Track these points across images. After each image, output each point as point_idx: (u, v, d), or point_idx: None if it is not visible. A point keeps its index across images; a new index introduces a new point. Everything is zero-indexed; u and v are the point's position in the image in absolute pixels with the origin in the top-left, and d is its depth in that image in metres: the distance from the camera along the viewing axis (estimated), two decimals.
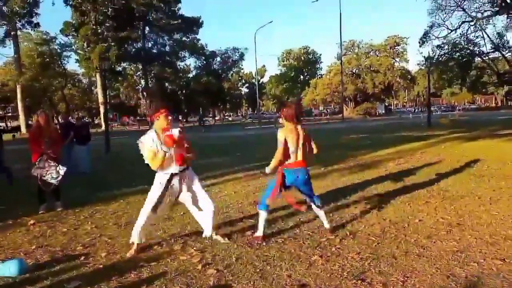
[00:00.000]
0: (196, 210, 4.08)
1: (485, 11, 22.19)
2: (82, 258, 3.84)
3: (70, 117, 12.93)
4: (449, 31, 23.97)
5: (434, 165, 8.38)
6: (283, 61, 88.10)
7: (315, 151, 4.22)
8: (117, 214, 5.53)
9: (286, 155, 4.00)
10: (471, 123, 23.87)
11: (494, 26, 34.78)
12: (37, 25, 39.71)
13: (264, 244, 3.94)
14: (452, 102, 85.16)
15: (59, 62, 55.27)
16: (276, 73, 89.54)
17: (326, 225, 4.24)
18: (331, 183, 6.99)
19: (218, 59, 60.23)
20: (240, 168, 9.21)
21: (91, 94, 69.42)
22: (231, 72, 67.70)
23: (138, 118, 60.55)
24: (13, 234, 4.75)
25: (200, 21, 51.88)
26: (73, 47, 51.20)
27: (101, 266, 3.62)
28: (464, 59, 26.25)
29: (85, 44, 44.61)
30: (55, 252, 4.04)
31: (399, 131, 20.21)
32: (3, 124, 52.70)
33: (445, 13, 22.84)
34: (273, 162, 4.02)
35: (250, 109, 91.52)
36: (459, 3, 21.89)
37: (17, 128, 38.52)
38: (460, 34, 24.05)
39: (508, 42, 24.36)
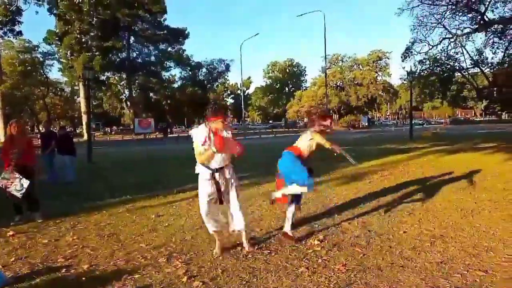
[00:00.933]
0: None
1: (465, 28, 22.83)
2: (64, 270, 3.74)
3: (52, 126, 12.74)
4: (430, 47, 24.50)
5: (417, 177, 8.50)
6: (269, 73, 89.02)
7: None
8: (100, 225, 5.42)
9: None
10: (452, 137, 24.38)
11: (473, 42, 36.17)
12: (20, 33, 39.38)
13: (250, 256, 3.92)
14: (433, 115, 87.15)
15: (41, 71, 54.69)
16: (262, 84, 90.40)
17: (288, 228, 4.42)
18: (316, 194, 6.98)
19: (204, 69, 60.35)
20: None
21: (73, 103, 68.63)
22: (217, 83, 67.82)
23: (121, 128, 59.93)
24: None
25: (186, 32, 52.14)
26: (56, 55, 50.82)
27: (83, 278, 3.53)
28: (445, 74, 26.87)
29: (68, 53, 44.30)
30: (35, 264, 3.92)
31: (383, 143, 20.45)
32: None
33: (427, 30, 23.37)
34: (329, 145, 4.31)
35: (235, 119, 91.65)
36: (440, 20, 22.45)
37: None
38: (441, 50, 24.62)
39: (487, 59, 25.01)
